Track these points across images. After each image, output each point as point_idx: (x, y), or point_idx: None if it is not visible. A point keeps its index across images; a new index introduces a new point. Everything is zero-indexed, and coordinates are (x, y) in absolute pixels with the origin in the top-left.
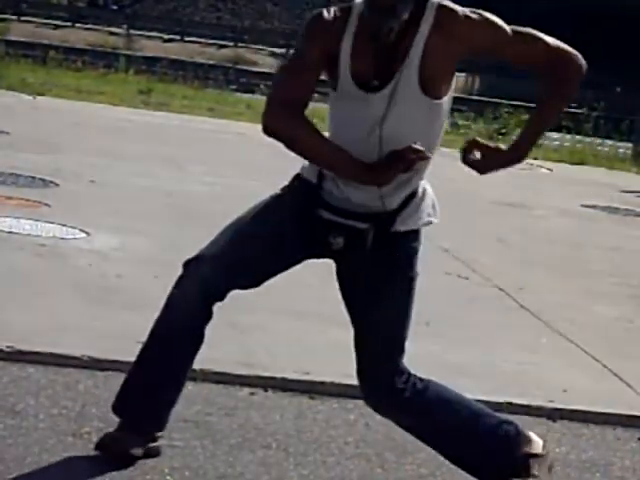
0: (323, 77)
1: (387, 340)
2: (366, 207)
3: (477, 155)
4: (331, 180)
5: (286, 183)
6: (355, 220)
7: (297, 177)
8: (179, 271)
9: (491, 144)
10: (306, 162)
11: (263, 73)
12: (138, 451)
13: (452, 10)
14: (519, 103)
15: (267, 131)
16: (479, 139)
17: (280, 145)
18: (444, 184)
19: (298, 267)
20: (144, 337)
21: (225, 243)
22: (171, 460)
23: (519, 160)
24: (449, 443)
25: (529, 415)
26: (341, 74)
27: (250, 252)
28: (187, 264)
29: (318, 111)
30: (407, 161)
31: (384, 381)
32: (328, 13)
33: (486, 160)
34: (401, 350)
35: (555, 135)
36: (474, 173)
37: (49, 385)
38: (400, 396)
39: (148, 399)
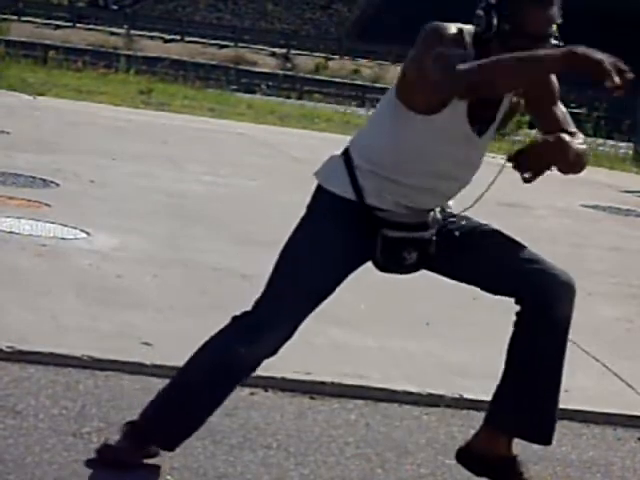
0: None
1: (529, 256)
2: (424, 213)
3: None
4: (376, 194)
5: (312, 200)
6: (422, 231)
7: (324, 192)
8: (179, 271)
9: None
10: (329, 173)
11: (264, 73)
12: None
13: None
14: None
15: (465, 93)
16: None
17: (280, 145)
18: None
19: None
20: (144, 337)
21: (288, 300)
22: (171, 460)
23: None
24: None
25: None
26: (453, 104)
27: (313, 300)
28: (251, 321)
29: (318, 112)
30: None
31: (566, 284)
32: (450, 30)
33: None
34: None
35: None
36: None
37: (49, 385)
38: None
39: (184, 424)
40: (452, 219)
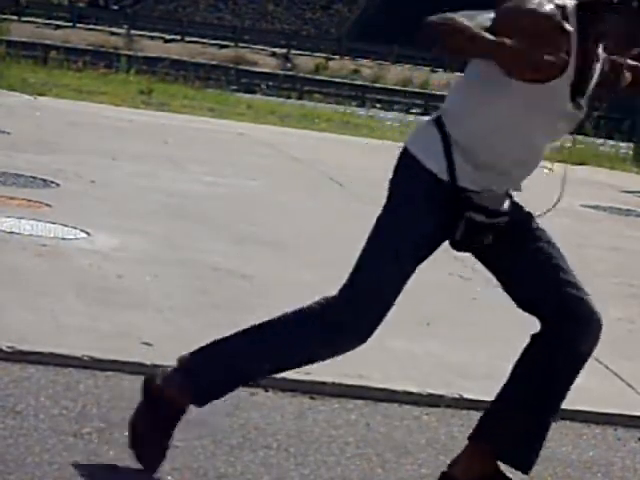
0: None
1: (571, 279)
2: (504, 198)
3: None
4: (467, 175)
5: (406, 174)
6: (502, 216)
7: (422, 169)
8: (179, 271)
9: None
10: (426, 148)
11: (264, 73)
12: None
13: None
14: None
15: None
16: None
17: (280, 145)
18: None
19: (297, 267)
20: (145, 337)
21: (377, 291)
22: (172, 460)
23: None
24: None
25: None
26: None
27: (399, 287)
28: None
29: (318, 112)
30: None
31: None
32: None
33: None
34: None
35: None
36: None
37: (50, 385)
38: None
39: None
40: (517, 211)
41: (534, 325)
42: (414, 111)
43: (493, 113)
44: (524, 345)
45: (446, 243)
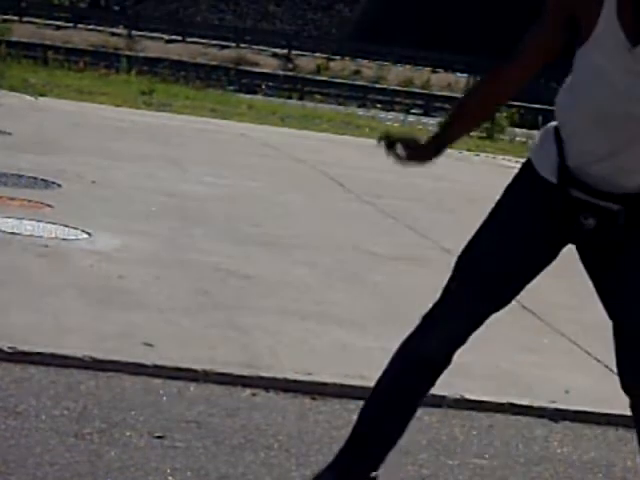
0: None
1: None
2: (617, 186)
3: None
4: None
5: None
6: (607, 201)
7: (528, 166)
8: (180, 271)
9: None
10: (539, 149)
11: (265, 74)
12: None
13: None
14: (518, 103)
15: None
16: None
17: (281, 146)
18: (445, 185)
19: (298, 267)
20: (146, 337)
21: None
22: (173, 461)
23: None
24: None
25: (531, 416)
26: (602, 19)
27: (505, 269)
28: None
29: (319, 112)
30: None
31: None
32: None
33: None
34: None
35: None
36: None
37: (51, 386)
38: None
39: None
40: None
41: (534, 325)
42: (415, 112)
43: (567, 86)
44: (525, 345)
45: None
